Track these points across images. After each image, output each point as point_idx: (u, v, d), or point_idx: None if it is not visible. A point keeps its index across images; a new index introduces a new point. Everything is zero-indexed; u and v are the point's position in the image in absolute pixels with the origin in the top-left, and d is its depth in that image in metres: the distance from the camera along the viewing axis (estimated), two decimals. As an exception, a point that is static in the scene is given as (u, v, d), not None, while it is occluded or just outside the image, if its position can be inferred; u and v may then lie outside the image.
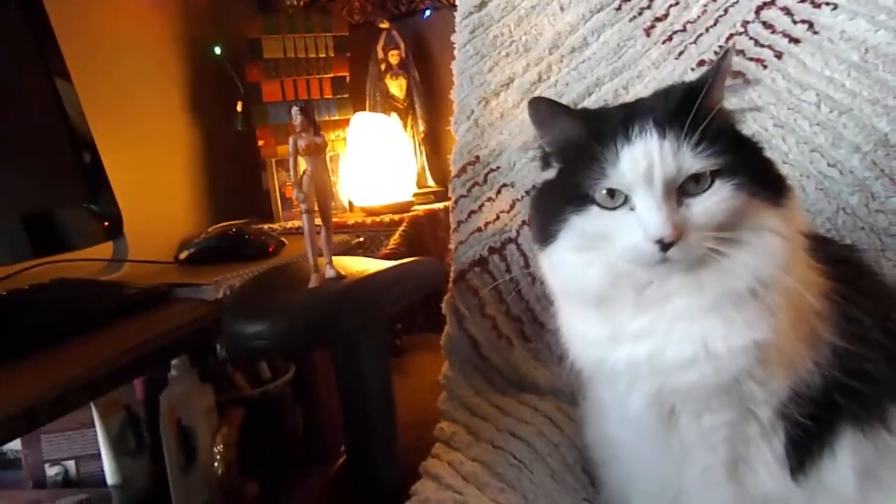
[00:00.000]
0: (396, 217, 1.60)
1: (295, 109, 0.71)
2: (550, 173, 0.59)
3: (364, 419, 0.79)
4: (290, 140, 0.71)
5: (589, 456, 0.78)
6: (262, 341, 0.63)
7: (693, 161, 0.50)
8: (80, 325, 0.75)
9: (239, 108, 1.71)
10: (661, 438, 0.60)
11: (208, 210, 1.68)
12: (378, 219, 1.62)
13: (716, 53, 0.99)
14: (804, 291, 0.52)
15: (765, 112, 0.94)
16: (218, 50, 1.67)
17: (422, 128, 1.86)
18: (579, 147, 0.55)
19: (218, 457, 0.96)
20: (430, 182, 1.85)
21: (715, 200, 0.51)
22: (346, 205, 1.79)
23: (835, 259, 0.59)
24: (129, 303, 0.81)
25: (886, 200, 0.88)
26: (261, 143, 1.73)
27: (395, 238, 1.52)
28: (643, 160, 0.50)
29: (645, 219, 0.50)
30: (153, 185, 1.51)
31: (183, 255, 1.08)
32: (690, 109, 0.51)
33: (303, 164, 0.72)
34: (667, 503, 0.63)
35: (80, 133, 1.01)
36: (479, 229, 1.02)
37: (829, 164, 0.89)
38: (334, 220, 1.66)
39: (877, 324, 0.56)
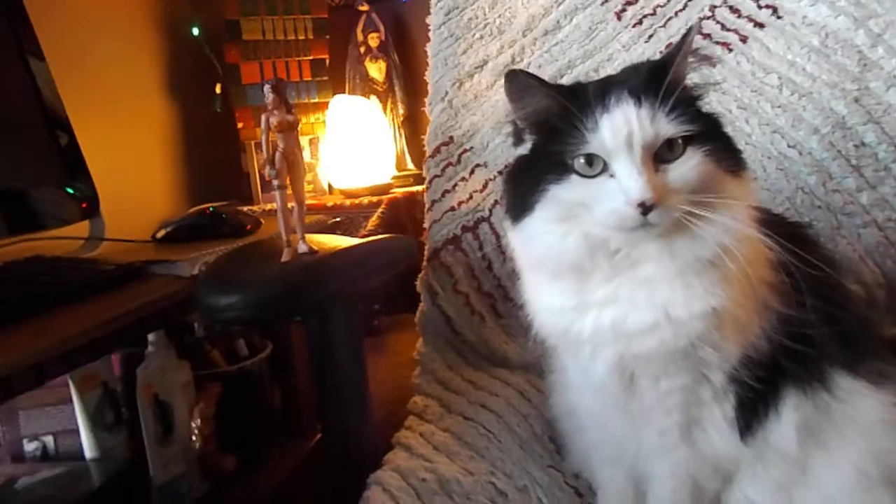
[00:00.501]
0: (375, 199, 1.61)
1: (267, 87, 0.72)
2: (523, 149, 0.61)
3: (337, 392, 0.81)
4: (262, 117, 0.72)
5: (556, 426, 0.81)
6: (236, 312, 0.65)
7: (668, 126, 0.53)
8: (55, 298, 0.76)
9: (217, 89, 1.71)
10: (621, 404, 0.62)
11: (188, 192, 1.69)
12: (357, 201, 1.63)
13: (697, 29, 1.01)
14: (757, 262, 0.55)
15: (729, 94, 0.96)
16: (196, 31, 1.67)
17: (401, 111, 1.87)
18: (557, 117, 0.56)
19: (195, 431, 0.98)
20: (410, 165, 1.86)
21: (689, 166, 0.53)
22: (326, 187, 1.80)
23: (783, 233, 0.61)
24: (104, 278, 0.83)
25: (842, 180, 0.91)
26: (240, 125, 1.73)
27: (374, 219, 1.54)
28: (623, 126, 0.52)
29: (626, 183, 0.52)
30: (131, 166, 1.51)
31: (160, 234, 1.09)
32: (659, 83, 0.53)
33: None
34: (625, 467, 0.66)
35: (55, 113, 1.01)
36: (453, 208, 1.04)
37: (789, 146, 0.92)
38: (314, 202, 1.69)
39: (818, 292, 0.59)
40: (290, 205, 0.75)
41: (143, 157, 1.58)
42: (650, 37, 1.03)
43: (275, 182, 0.72)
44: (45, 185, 0.95)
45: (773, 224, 0.61)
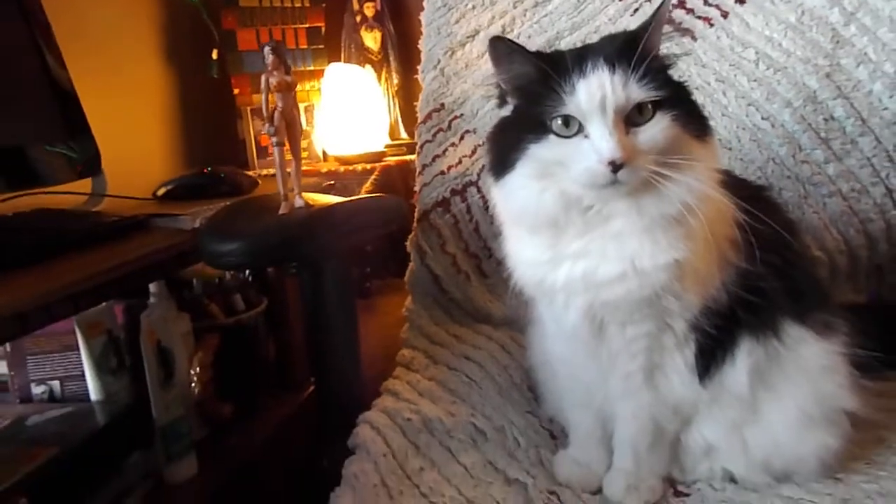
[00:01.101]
0: (369, 166, 1.65)
1: (267, 49, 0.76)
2: (506, 111, 0.65)
3: (329, 342, 0.86)
4: (263, 77, 0.76)
5: (533, 375, 0.87)
6: (236, 258, 0.70)
7: (639, 91, 0.57)
8: (62, 247, 0.80)
9: (214, 55, 1.72)
10: (591, 350, 0.67)
11: (185, 157, 1.71)
12: (351, 167, 1.67)
13: (668, 11, 1.05)
14: (718, 220, 0.60)
15: (708, 68, 1.01)
16: (194, -4, 1.68)
17: (396, 80, 1.89)
18: (537, 81, 0.60)
19: (195, 378, 1.03)
20: (403, 134, 1.89)
21: (658, 129, 0.58)
22: (321, 154, 1.84)
23: (744, 193, 0.66)
24: (108, 229, 0.87)
25: (811, 152, 0.96)
26: (236, 91, 1.75)
27: (367, 186, 1.58)
28: (598, 90, 0.56)
29: (598, 143, 0.56)
30: (129, 130, 1.53)
31: (161, 192, 1.13)
32: (632, 51, 0.57)
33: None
34: (594, 410, 0.71)
35: (58, 76, 1.04)
36: (443, 172, 1.08)
37: (762, 118, 0.97)
38: (309, 167, 1.73)
39: (773, 249, 0.64)
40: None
41: (141, 122, 1.61)
42: (636, 10, 1.06)
43: (273, 139, 0.76)
44: (49, 142, 0.98)
45: (736, 186, 0.66)
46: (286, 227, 0.73)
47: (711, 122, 0.98)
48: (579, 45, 1.06)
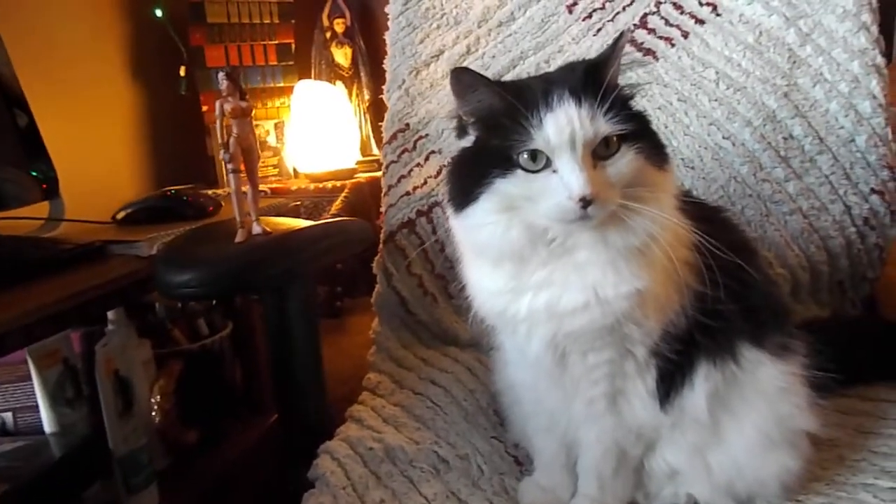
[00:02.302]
0: (339, 184, 1.64)
1: (221, 75, 0.75)
2: (466, 142, 0.64)
3: (292, 368, 0.84)
4: (217, 104, 0.75)
5: (500, 400, 0.86)
6: (190, 289, 0.68)
7: (606, 125, 0.57)
8: (14, 276, 0.78)
9: (182, 72, 1.71)
10: (554, 377, 0.67)
11: (153, 175, 1.69)
12: (321, 185, 1.66)
13: (630, 31, 1.06)
14: (678, 247, 0.60)
15: (670, 87, 1.02)
16: (159, 12, 1.67)
17: (367, 97, 1.89)
18: (502, 114, 0.59)
19: (156, 406, 1.00)
20: (375, 150, 1.89)
21: (624, 162, 0.58)
22: (291, 171, 1.82)
23: (701, 216, 0.66)
24: (64, 257, 0.85)
25: (772, 171, 0.97)
26: (205, 108, 1.73)
27: (337, 203, 1.57)
28: (567, 125, 0.56)
29: (569, 179, 0.55)
30: (94, 148, 1.51)
31: (120, 216, 1.10)
32: (597, 84, 0.57)
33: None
34: (558, 436, 0.71)
35: (12, 93, 1.02)
36: (408, 193, 1.07)
37: (723, 137, 0.98)
38: (279, 185, 1.71)
39: (729, 272, 0.64)
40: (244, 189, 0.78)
41: (107, 139, 1.58)
42: (598, 30, 1.07)
43: (228, 166, 0.75)
44: (2, 165, 0.96)
45: (693, 208, 0.66)
46: (241, 256, 0.72)
47: (675, 142, 1.01)
48: (543, 64, 1.08)
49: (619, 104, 0.58)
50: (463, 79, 0.60)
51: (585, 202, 0.55)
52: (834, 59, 0.96)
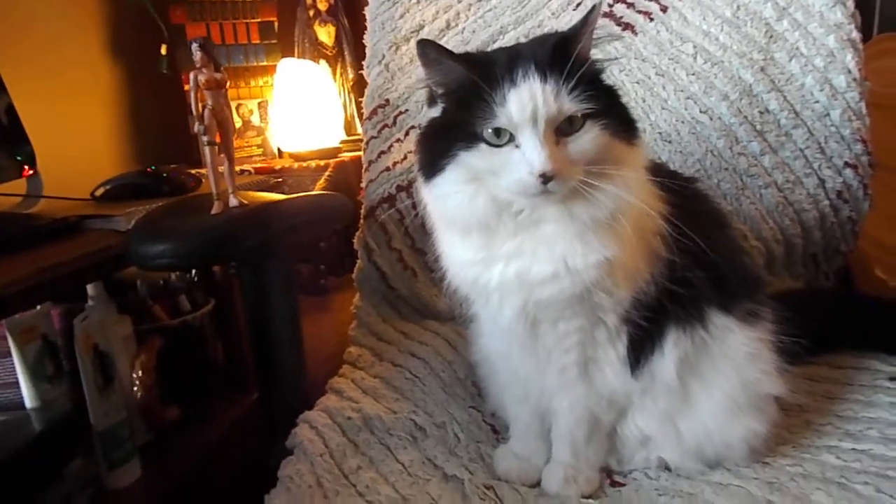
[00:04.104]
0: (323, 163, 1.64)
1: (195, 45, 0.74)
2: (436, 111, 0.65)
3: (271, 341, 0.85)
4: (191, 75, 0.75)
5: (477, 371, 0.87)
6: (164, 259, 0.68)
7: (570, 104, 0.57)
8: (-11, 250, 0.78)
9: (163, 50, 1.69)
10: (527, 346, 0.68)
11: (135, 154, 1.68)
12: (305, 164, 1.65)
13: (609, 5, 1.06)
14: (647, 217, 0.61)
15: (648, 62, 1.02)
16: (139, -10, 1.64)
17: (351, 75, 1.88)
18: (467, 89, 0.59)
19: (137, 382, 1.01)
20: (359, 129, 1.88)
21: (587, 139, 0.58)
22: (276, 150, 1.81)
23: (673, 187, 0.67)
24: (40, 232, 0.84)
25: (748, 144, 0.98)
26: (187, 87, 1.72)
27: (321, 182, 1.57)
28: (529, 102, 0.56)
29: (530, 155, 0.56)
30: (74, 127, 1.50)
31: (99, 192, 1.10)
32: (564, 57, 0.57)
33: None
34: (532, 404, 0.72)
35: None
36: (388, 169, 1.08)
37: (701, 111, 0.99)
38: (263, 165, 1.70)
39: (699, 239, 0.65)
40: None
41: (87, 119, 1.57)
42: (578, 5, 1.07)
43: (204, 138, 0.75)
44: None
45: (664, 177, 0.67)
46: (216, 227, 0.72)
47: (652, 116, 1.02)
48: (523, 39, 1.08)
49: (587, 80, 0.58)
50: (428, 52, 0.60)
51: (546, 178, 0.56)
52: (810, 33, 0.97)
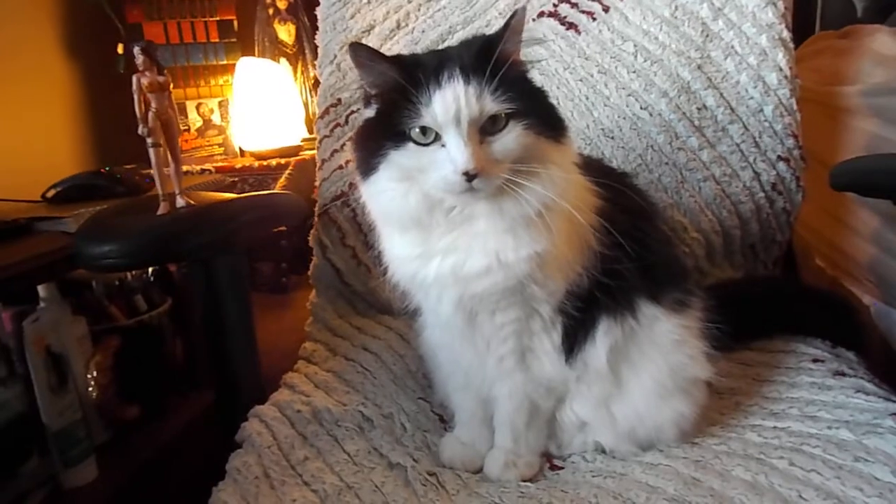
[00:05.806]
0: (284, 161, 1.65)
1: (136, 49, 0.76)
2: (370, 112, 0.66)
3: (223, 341, 0.85)
4: (134, 78, 0.76)
5: (426, 363, 0.89)
6: (110, 259, 0.69)
7: (492, 104, 0.59)
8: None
9: (120, 49, 1.68)
10: (466, 336, 0.70)
11: (93, 155, 1.67)
12: (266, 163, 1.66)
13: (554, 5, 1.09)
14: (577, 213, 0.64)
15: (591, 60, 1.05)
16: (94, -11, 1.63)
17: (312, 73, 1.89)
18: (396, 90, 0.61)
19: (92, 381, 1.01)
20: (321, 128, 1.89)
21: (510, 138, 0.60)
22: (237, 150, 1.81)
23: (606, 182, 0.70)
24: (-14, 234, 0.84)
25: (687, 139, 1.02)
26: (144, 87, 1.71)
27: (281, 181, 1.58)
28: (453, 103, 0.59)
29: (454, 154, 0.59)
30: (27, 129, 1.48)
31: (50, 194, 1.10)
32: (487, 59, 0.59)
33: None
34: (474, 393, 0.74)
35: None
36: (341, 167, 1.09)
37: (641, 107, 1.02)
38: (224, 164, 1.70)
39: (629, 233, 0.68)
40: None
41: (41, 119, 1.55)
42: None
43: (148, 140, 0.76)
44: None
45: (598, 174, 0.70)
46: (162, 227, 0.73)
47: (595, 113, 1.05)
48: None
49: (510, 81, 0.60)
50: (360, 54, 0.62)
51: (470, 176, 0.58)
52: (744, 32, 1.01)
